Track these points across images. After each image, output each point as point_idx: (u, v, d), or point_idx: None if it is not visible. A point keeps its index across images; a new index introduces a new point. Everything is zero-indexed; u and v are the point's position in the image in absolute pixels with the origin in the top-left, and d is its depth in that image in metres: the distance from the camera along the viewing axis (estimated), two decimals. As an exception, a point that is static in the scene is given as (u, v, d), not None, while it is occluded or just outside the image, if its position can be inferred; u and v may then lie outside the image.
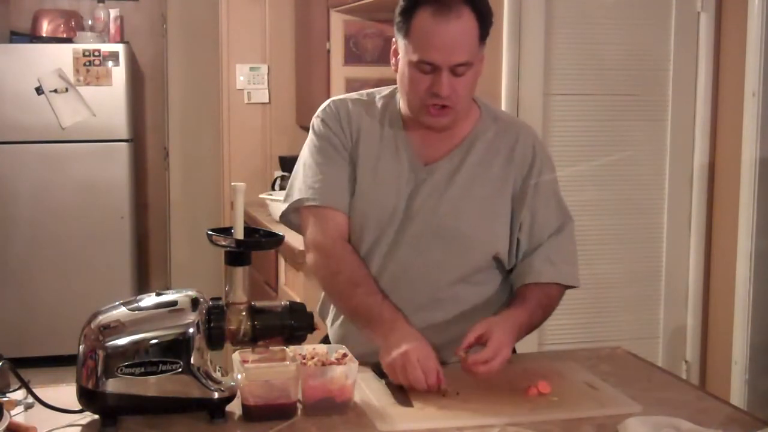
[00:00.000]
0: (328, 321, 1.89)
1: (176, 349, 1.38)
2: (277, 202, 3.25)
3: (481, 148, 1.78)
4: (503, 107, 3.07)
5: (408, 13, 1.67)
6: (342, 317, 1.83)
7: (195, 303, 1.42)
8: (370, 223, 1.76)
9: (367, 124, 1.80)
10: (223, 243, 1.44)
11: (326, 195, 1.76)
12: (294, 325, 1.46)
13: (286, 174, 3.97)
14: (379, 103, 1.83)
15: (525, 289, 1.77)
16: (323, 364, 1.48)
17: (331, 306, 1.87)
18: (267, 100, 4.50)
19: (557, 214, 1.82)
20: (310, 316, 1.48)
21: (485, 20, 1.69)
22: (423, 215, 1.75)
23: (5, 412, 1.37)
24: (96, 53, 4.79)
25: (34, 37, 4.99)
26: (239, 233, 1.45)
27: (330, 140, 1.79)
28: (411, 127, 1.78)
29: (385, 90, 1.86)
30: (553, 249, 1.79)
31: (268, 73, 4.48)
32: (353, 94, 1.88)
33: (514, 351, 1.90)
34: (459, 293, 1.77)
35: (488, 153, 1.78)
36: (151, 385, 1.37)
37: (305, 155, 1.83)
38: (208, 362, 1.42)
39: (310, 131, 1.84)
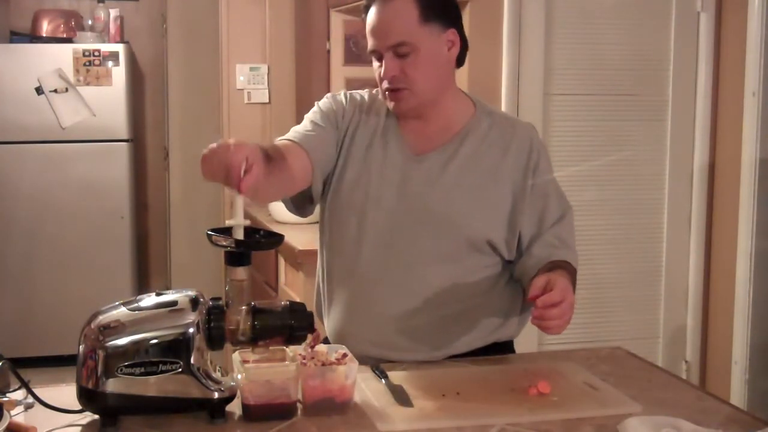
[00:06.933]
0: (324, 316, 1.89)
1: (176, 349, 1.38)
2: (277, 202, 3.25)
3: (475, 140, 1.81)
4: (503, 107, 3.07)
5: (365, 11, 1.78)
6: (338, 310, 1.83)
7: (195, 303, 1.42)
8: (354, 209, 1.79)
9: (365, 117, 1.85)
10: (223, 243, 1.44)
11: (304, 139, 1.78)
12: (294, 325, 1.46)
13: (286, 174, 3.96)
14: (378, 97, 1.87)
15: (548, 264, 1.76)
16: (323, 364, 1.49)
17: (326, 300, 1.88)
18: (267, 100, 4.49)
19: (558, 204, 1.84)
20: (310, 316, 1.48)
21: (427, 1, 1.72)
22: (415, 203, 1.77)
23: (5, 412, 1.37)
24: (96, 53, 4.78)
25: (34, 37, 4.99)
26: (239, 233, 1.45)
27: (327, 114, 1.85)
28: (405, 120, 1.83)
29: None
30: (559, 234, 1.80)
31: (268, 73, 4.47)
32: (362, 91, 1.93)
33: (513, 351, 1.91)
34: (453, 284, 1.77)
35: (482, 145, 1.81)
36: (151, 385, 1.37)
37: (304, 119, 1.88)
38: (208, 362, 1.42)
39: (315, 104, 1.89)
